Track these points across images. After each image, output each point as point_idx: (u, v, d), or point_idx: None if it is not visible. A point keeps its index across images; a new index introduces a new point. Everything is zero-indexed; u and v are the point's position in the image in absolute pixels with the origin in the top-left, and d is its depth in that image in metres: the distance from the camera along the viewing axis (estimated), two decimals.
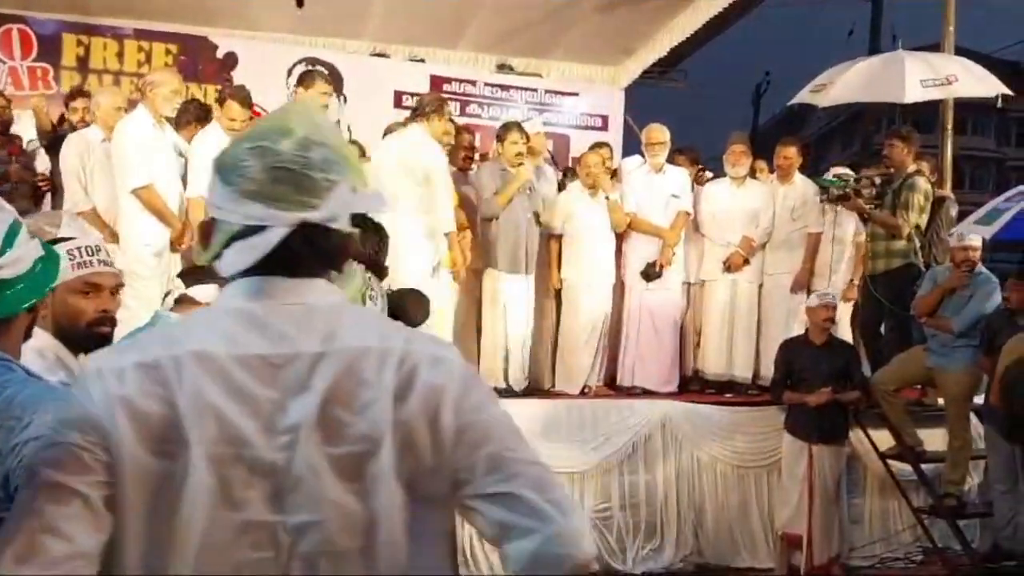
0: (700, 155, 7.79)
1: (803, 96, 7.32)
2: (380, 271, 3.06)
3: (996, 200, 4.70)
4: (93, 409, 1.22)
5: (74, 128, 6.16)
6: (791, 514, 5.81)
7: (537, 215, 6.38)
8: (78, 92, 6.71)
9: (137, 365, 1.24)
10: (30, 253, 1.83)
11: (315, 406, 1.24)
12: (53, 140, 6.16)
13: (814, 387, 5.68)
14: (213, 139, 5.61)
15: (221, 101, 5.70)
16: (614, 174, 7.08)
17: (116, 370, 1.24)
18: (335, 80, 8.58)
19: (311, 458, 1.23)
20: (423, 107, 5.78)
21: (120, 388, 1.23)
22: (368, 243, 2.58)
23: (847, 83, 6.93)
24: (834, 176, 6.48)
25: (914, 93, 6.63)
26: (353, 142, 7.43)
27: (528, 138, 6.43)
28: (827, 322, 5.85)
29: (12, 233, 1.79)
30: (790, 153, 6.93)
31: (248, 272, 1.30)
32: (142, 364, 1.24)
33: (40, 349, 2.12)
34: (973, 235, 5.64)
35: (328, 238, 1.31)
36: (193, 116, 6.22)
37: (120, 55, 8.25)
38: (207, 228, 1.34)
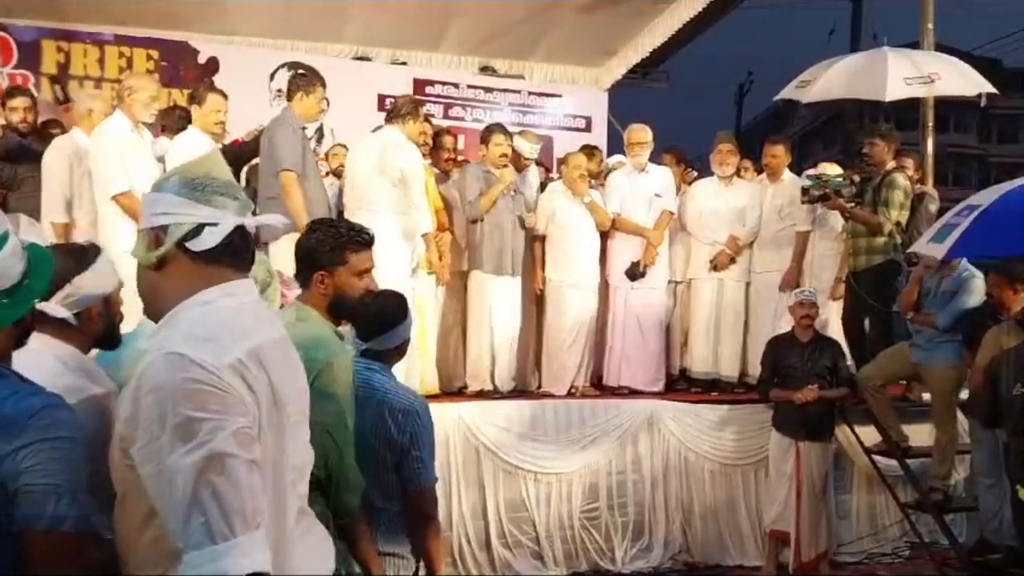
0: (686, 154, 7.81)
1: (788, 91, 7.33)
2: None
3: (947, 216, 4.60)
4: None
5: (15, 129, 5.99)
6: (779, 511, 5.83)
7: (522, 220, 6.38)
8: (16, 90, 6.49)
9: (249, 355, 1.59)
10: (15, 268, 1.79)
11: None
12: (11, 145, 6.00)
13: (800, 384, 5.70)
14: (192, 142, 5.57)
15: (199, 100, 5.65)
16: (598, 175, 7.09)
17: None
18: None
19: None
20: (398, 109, 5.79)
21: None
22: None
23: (830, 79, 6.95)
24: (812, 176, 6.49)
25: (896, 91, 6.64)
26: (340, 145, 7.46)
27: (512, 139, 6.43)
28: (805, 319, 5.86)
29: None
30: (778, 152, 6.94)
31: (211, 272, 1.71)
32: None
33: (63, 358, 2.21)
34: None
35: (251, 239, 1.78)
36: (184, 121, 6.21)
37: (101, 61, 8.21)
38: (157, 235, 1.70)
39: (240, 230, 1.72)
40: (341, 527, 2.57)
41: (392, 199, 5.58)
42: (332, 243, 2.70)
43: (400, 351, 3.23)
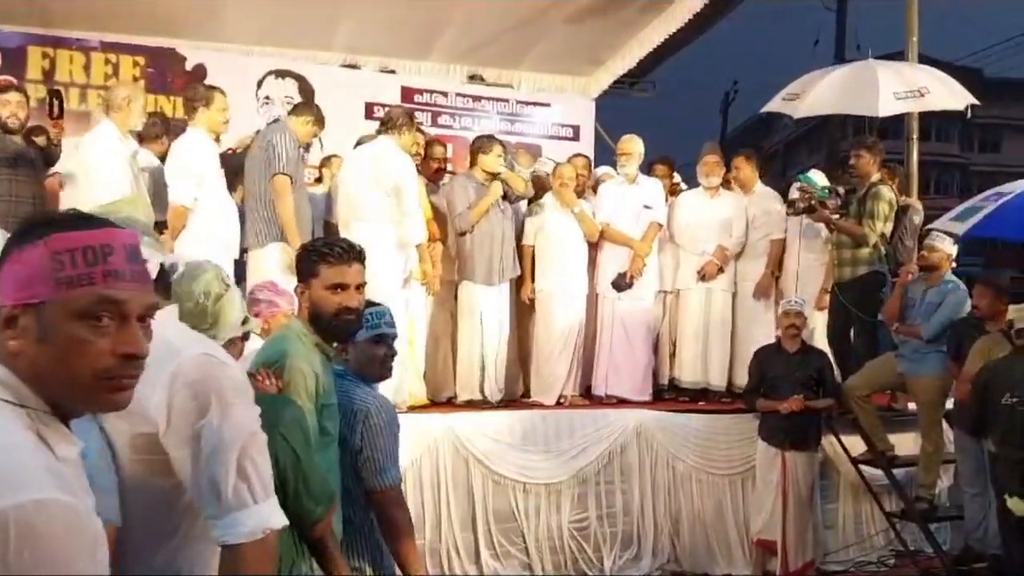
0: (675, 164, 7.84)
1: (775, 104, 7.31)
2: None
3: (974, 199, 4.80)
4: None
5: (2, 125, 5.86)
6: (766, 521, 5.85)
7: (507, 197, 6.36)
8: (9, 87, 6.36)
9: None
10: None
11: None
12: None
13: (787, 394, 5.73)
14: (195, 143, 5.56)
15: (207, 101, 5.61)
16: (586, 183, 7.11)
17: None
18: (306, 92, 8.56)
19: None
20: (392, 120, 5.78)
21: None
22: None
23: (821, 94, 6.93)
24: (797, 189, 6.55)
25: (888, 107, 6.64)
26: (333, 156, 7.44)
27: (506, 151, 6.46)
28: (791, 329, 5.89)
29: None
30: (739, 163, 7.07)
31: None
32: None
33: None
34: (941, 240, 5.74)
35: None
36: (162, 130, 6.18)
37: (87, 68, 8.15)
38: None
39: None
40: (304, 536, 2.52)
41: (385, 209, 5.57)
42: (307, 255, 2.77)
43: (364, 352, 3.04)
